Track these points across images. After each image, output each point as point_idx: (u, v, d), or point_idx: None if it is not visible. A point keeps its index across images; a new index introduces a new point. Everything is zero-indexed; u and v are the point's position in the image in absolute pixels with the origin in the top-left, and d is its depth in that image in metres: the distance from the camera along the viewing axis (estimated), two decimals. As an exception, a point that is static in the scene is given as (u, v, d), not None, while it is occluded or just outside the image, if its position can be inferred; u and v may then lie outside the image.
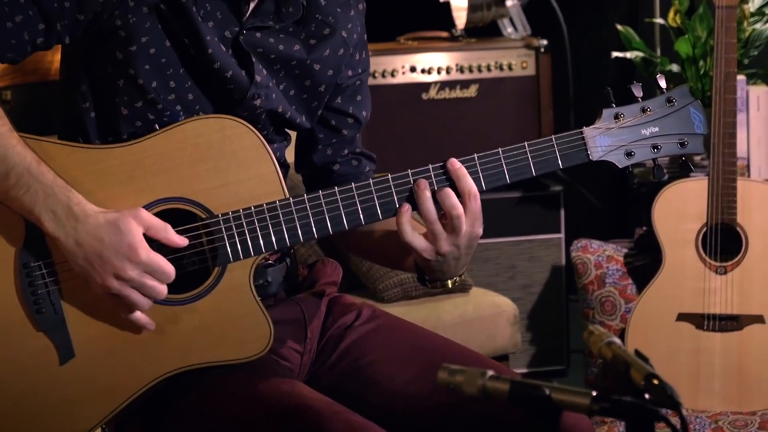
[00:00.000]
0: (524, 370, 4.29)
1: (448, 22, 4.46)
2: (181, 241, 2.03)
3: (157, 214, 2.03)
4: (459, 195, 2.05)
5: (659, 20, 4.39)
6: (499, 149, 2.08)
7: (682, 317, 3.51)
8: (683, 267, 3.52)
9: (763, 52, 4.05)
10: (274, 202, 2.06)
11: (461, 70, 4.31)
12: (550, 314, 4.33)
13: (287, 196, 2.07)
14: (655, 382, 1.44)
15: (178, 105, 2.12)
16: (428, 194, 2.05)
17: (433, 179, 2.07)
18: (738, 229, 3.49)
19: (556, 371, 4.34)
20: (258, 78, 2.14)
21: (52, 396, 2.06)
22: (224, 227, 2.05)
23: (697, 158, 3.85)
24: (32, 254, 2.05)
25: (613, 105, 2.10)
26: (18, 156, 2.01)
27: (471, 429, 2.12)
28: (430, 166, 2.08)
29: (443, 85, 4.31)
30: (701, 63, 4.01)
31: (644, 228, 3.79)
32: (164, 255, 2.02)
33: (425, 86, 4.30)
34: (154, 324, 2.04)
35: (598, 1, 4.96)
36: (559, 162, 2.10)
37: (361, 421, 2.00)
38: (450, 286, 2.15)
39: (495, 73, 4.32)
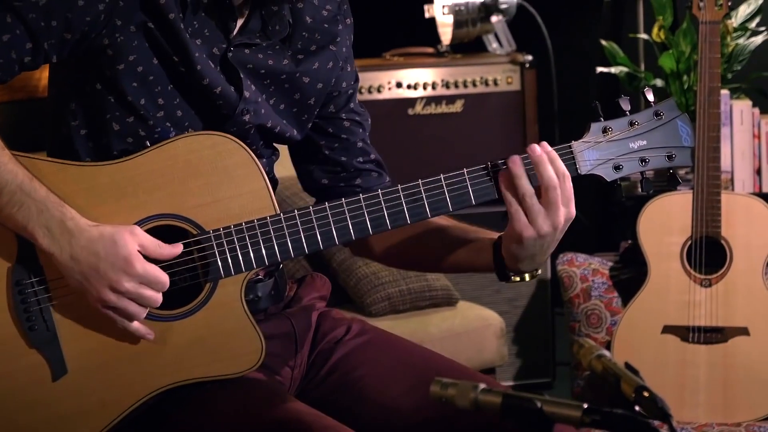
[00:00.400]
0: (510, 383, 4.30)
1: (433, 38, 4.48)
2: (176, 248, 2.04)
3: (148, 231, 2.05)
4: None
5: (643, 35, 4.42)
6: (488, 163, 2.10)
7: (668, 330, 3.54)
8: (668, 280, 3.55)
9: (746, 67, 4.08)
10: (265, 217, 2.07)
11: (447, 85, 4.33)
12: (535, 327, 4.34)
13: (278, 211, 2.08)
14: (646, 394, 1.45)
15: (167, 122, 2.12)
16: (524, 170, 2.06)
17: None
18: (722, 242, 3.52)
19: (542, 384, 4.35)
20: (247, 94, 2.15)
21: (46, 412, 2.07)
22: (215, 243, 2.06)
23: (681, 172, 3.87)
24: (25, 271, 2.06)
25: (602, 119, 2.11)
26: (10, 173, 2.01)
27: (461, 442, 2.13)
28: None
29: (429, 100, 4.33)
30: (685, 78, 4.04)
31: (629, 241, 3.81)
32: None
33: (411, 102, 4.32)
34: (153, 333, 2.05)
35: (583, 16, 4.99)
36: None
37: (352, 435, 2.02)
38: (528, 279, 2.16)
39: (480, 89, 4.34)
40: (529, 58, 4.36)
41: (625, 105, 2.11)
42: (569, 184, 2.06)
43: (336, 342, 2.26)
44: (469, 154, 4.25)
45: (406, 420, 2.16)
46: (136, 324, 2.04)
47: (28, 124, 3.86)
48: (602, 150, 2.10)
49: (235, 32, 2.14)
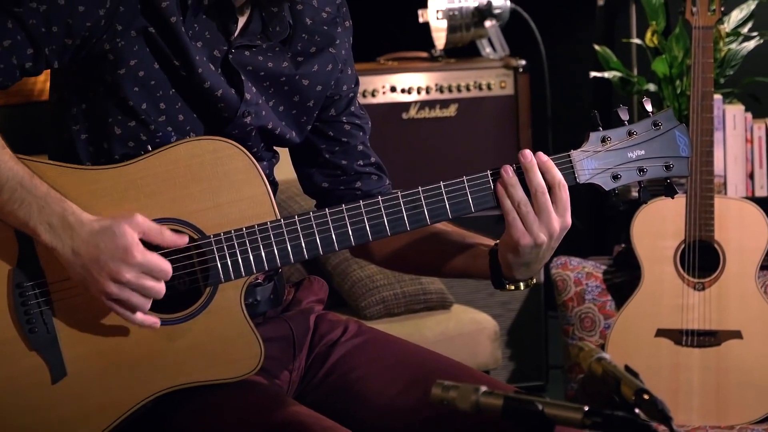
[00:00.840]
0: (504, 387, 4.31)
1: (427, 42, 4.50)
2: (180, 239, 2.04)
3: (149, 235, 2.06)
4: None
5: (636, 40, 4.43)
6: (488, 171, 2.11)
7: (661, 333, 3.56)
8: (662, 283, 3.56)
9: (739, 72, 4.10)
10: (266, 223, 2.08)
11: (441, 89, 4.35)
12: (529, 331, 4.36)
13: (278, 217, 2.09)
14: (646, 397, 1.47)
15: (169, 126, 2.13)
16: (516, 179, 2.08)
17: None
18: (715, 245, 3.54)
19: (535, 387, 4.36)
20: (248, 96, 2.16)
21: (45, 415, 2.07)
22: (216, 248, 2.07)
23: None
24: (25, 274, 2.06)
25: (600, 128, 2.12)
26: (10, 171, 2.02)
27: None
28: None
29: (423, 104, 4.34)
30: (678, 82, 4.06)
31: (623, 245, 3.83)
32: None
33: (405, 106, 4.34)
34: (158, 321, 2.05)
35: (576, 21, 5.00)
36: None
37: (353, 437, 2.03)
38: (523, 288, 2.16)
39: (474, 93, 4.36)
40: (523, 62, 4.38)
41: (624, 115, 2.12)
42: (566, 194, 2.08)
43: (333, 344, 2.27)
44: (463, 158, 4.27)
45: (405, 420, 2.16)
46: (139, 315, 2.03)
47: (24, 127, 3.88)
48: (601, 159, 2.11)
49: (236, 34, 2.15)
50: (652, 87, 4.13)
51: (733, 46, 4.06)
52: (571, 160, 2.11)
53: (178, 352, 2.08)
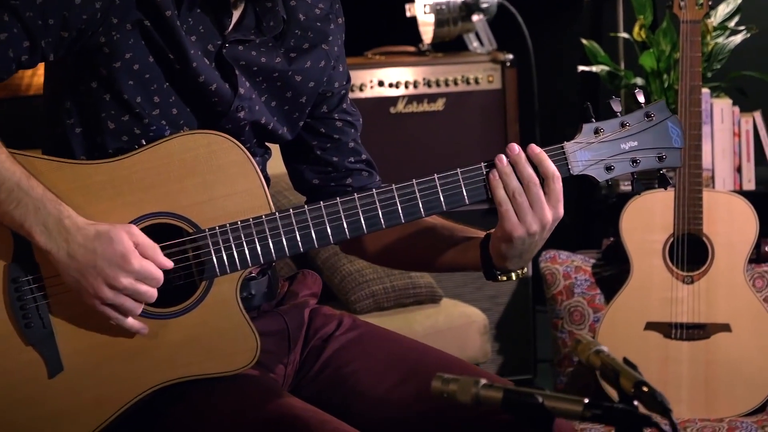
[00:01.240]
0: (492, 380, 4.31)
1: (415, 36, 4.50)
2: (167, 263, 2.05)
3: (144, 229, 2.05)
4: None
5: (623, 34, 4.45)
6: (482, 163, 2.12)
7: (650, 326, 3.57)
8: (650, 277, 3.58)
9: (726, 66, 4.12)
10: (261, 216, 2.08)
11: (428, 84, 4.35)
12: (517, 324, 4.37)
13: (273, 210, 2.10)
14: (645, 389, 1.47)
15: (162, 120, 2.13)
16: (511, 168, 2.08)
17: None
18: (704, 239, 3.55)
19: (523, 380, 4.37)
20: (241, 90, 2.16)
21: (42, 409, 2.08)
22: (211, 242, 2.07)
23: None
24: (21, 269, 2.06)
25: (593, 120, 2.12)
26: (7, 171, 2.02)
27: (456, 435, 2.15)
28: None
29: (411, 99, 4.35)
30: (665, 76, 4.07)
31: (611, 238, 3.84)
32: None
33: (393, 100, 4.34)
34: (147, 328, 2.06)
35: (563, 15, 5.01)
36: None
37: (349, 430, 2.03)
38: (515, 278, 2.17)
39: (462, 87, 4.36)
40: (510, 56, 4.39)
41: (616, 106, 2.13)
42: (559, 185, 2.08)
43: (327, 337, 2.27)
44: (451, 152, 4.28)
45: (400, 412, 2.17)
46: (131, 320, 2.05)
47: (11, 122, 3.86)
48: (594, 151, 2.12)
49: (230, 28, 2.15)
50: (639, 81, 4.14)
51: (720, 40, 4.08)
52: (564, 152, 2.12)
53: (174, 346, 2.08)
